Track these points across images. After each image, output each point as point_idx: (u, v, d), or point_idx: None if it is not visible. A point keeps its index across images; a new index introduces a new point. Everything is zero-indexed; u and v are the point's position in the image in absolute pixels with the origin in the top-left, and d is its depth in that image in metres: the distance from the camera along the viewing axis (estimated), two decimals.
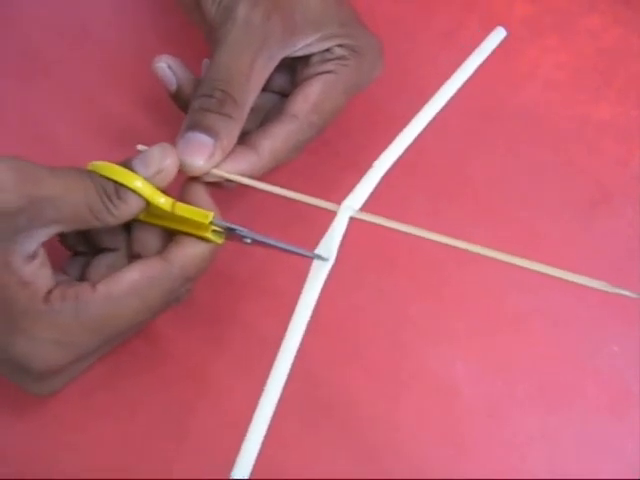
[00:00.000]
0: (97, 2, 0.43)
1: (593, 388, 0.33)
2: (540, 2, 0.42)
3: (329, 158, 0.38)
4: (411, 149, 0.31)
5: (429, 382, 0.34)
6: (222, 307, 0.35)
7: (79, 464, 0.32)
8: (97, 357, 0.31)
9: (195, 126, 0.30)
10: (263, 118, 0.35)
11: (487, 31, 0.40)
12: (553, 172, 0.38)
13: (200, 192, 0.30)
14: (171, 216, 0.29)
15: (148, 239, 0.31)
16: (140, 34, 0.41)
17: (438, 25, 0.41)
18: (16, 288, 0.27)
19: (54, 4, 0.42)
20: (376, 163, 0.30)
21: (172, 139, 0.31)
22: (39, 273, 0.28)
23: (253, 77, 0.31)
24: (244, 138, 0.32)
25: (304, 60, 0.34)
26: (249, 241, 0.30)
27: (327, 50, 0.33)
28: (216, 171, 0.31)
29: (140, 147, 0.31)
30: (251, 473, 0.25)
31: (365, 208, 0.29)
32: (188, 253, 0.29)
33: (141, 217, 0.30)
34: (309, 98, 0.33)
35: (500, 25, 0.34)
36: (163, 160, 0.29)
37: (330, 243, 0.28)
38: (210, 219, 0.29)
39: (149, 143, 0.30)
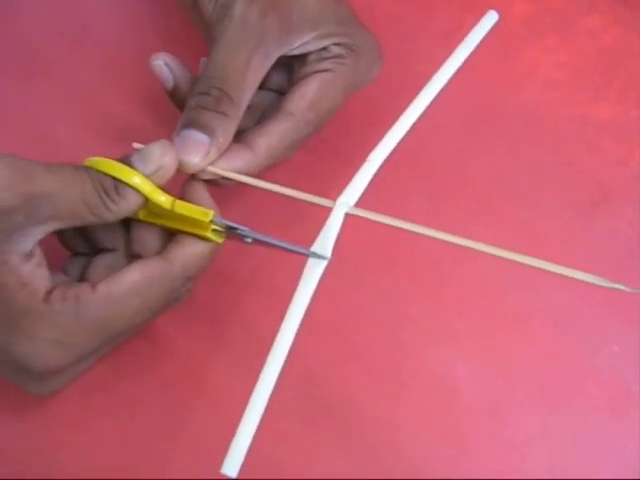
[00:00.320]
0: (97, 2, 0.43)
1: (593, 388, 0.33)
2: (540, 2, 0.42)
3: (328, 157, 0.38)
4: (410, 148, 0.31)
5: (429, 382, 0.34)
6: (221, 306, 0.35)
7: (79, 464, 0.32)
8: (97, 357, 0.31)
9: (191, 124, 0.30)
10: (260, 116, 0.35)
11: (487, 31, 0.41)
12: (553, 172, 0.38)
13: (201, 191, 0.30)
14: (171, 214, 0.29)
15: (148, 239, 0.31)
16: (140, 34, 0.41)
17: (438, 25, 0.41)
18: (15, 288, 0.27)
19: (54, 4, 0.42)
20: (370, 157, 0.30)
21: (172, 138, 0.31)
22: (36, 273, 0.28)
23: (249, 75, 0.31)
24: (241, 136, 0.32)
25: (301, 58, 0.34)
26: (250, 240, 0.30)
27: (324, 49, 0.33)
28: (212, 168, 0.31)
29: (136, 145, 0.31)
30: (241, 470, 0.24)
31: (364, 207, 0.29)
32: (188, 252, 0.29)
33: (141, 216, 0.30)
34: (306, 96, 0.33)
35: (500, 25, 0.34)
36: (162, 157, 0.29)
37: (326, 239, 0.28)
38: (210, 217, 0.29)
39: (149, 142, 0.30)
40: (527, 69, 0.40)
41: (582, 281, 0.25)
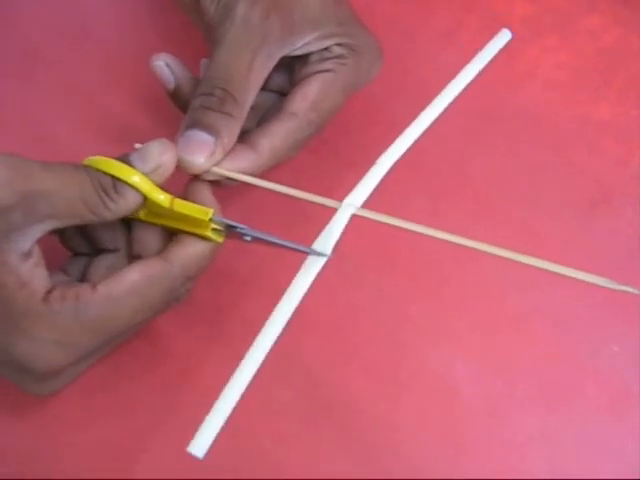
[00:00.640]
0: (97, 2, 0.43)
1: (593, 388, 0.33)
2: (540, 2, 0.42)
3: (329, 157, 0.38)
4: (411, 149, 0.32)
5: (429, 382, 0.34)
6: (222, 306, 0.35)
7: (79, 464, 0.32)
8: (97, 357, 0.31)
9: (196, 124, 0.30)
10: (261, 117, 0.35)
11: (487, 31, 0.41)
12: (553, 172, 0.38)
13: (204, 191, 0.30)
14: (170, 213, 0.29)
15: (148, 239, 0.31)
16: (140, 34, 0.41)
17: (438, 25, 0.41)
18: (14, 288, 0.27)
19: (54, 4, 0.42)
20: (378, 161, 0.31)
21: (172, 138, 0.31)
22: (35, 273, 0.27)
23: (252, 76, 0.31)
24: (243, 137, 0.32)
25: (302, 59, 0.34)
26: (249, 239, 0.30)
27: (326, 49, 0.33)
28: (216, 169, 0.31)
29: (138, 146, 0.31)
30: (209, 451, 0.24)
31: (365, 207, 0.29)
32: (188, 252, 0.29)
33: (141, 216, 0.30)
34: (308, 96, 0.33)
35: (500, 25, 0.34)
36: (161, 155, 0.29)
37: (328, 238, 0.28)
38: (210, 216, 0.29)
39: (147, 138, 0.30)
40: (527, 69, 0.40)
41: (590, 283, 0.25)
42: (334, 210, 0.29)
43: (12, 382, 0.30)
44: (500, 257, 0.26)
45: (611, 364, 0.34)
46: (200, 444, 0.24)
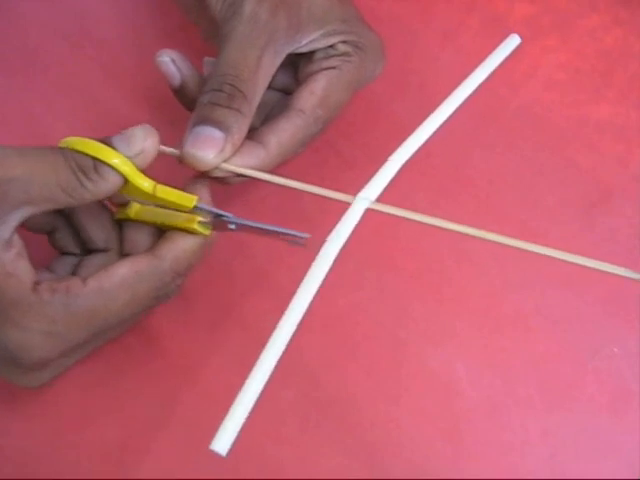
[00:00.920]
0: (97, 2, 0.43)
1: (593, 388, 0.33)
2: (540, 3, 0.42)
3: (330, 157, 0.38)
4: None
5: (429, 381, 0.34)
6: (221, 305, 0.35)
7: (79, 464, 0.32)
8: (87, 352, 0.31)
9: (205, 120, 0.30)
10: (266, 115, 0.35)
11: (488, 31, 0.41)
12: (553, 172, 0.38)
13: (203, 190, 0.30)
14: (154, 200, 0.29)
15: (139, 238, 0.31)
16: (140, 33, 0.41)
17: (439, 25, 0.41)
18: (1, 277, 0.27)
19: (54, 4, 0.42)
20: (391, 157, 0.30)
21: (172, 137, 0.30)
22: (19, 264, 0.27)
23: (261, 72, 0.31)
24: (250, 134, 0.32)
25: (307, 56, 0.34)
26: (234, 227, 0.29)
27: (331, 46, 0.33)
28: (226, 165, 0.30)
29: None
30: (231, 450, 0.24)
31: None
32: (178, 247, 0.29)
33: (131, 216, 0.30)
34: (315, 93, 0.33)
35: (500, 25, 0.34)
36: (145, 140, 0.28)
37: (341, 233, 0.28)
38: (194, 203, 0.29)
39: None
40: (527, 69, 0.40)
41: (609, 273, 0.25)
42: (339, 207, 0.29)
43: (0, 374, 0.30)
44: (508, 257, 0.26)
45: (611, 364, 0.34)
46: (222, 441, 0.24)
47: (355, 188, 0.29)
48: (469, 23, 0.41)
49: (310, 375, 0.33)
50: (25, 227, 0.29)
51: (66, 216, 0.32)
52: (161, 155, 0.30)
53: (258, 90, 0.31)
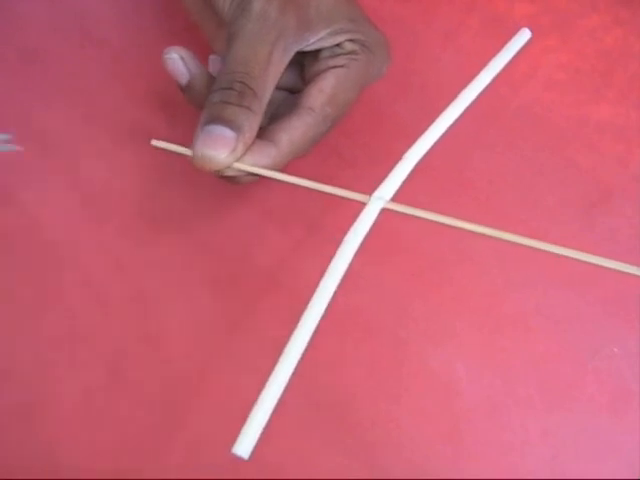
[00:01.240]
0: (98, 1, 0.43)
1: (593, 388, 0.33)
2: (540, 3, 0.42)
3: (331, 157, 0.38)
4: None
5: (429, 381, 0.34)
6: (234, 309, 0.35)
7: (79, 464, 0.32)
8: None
9: (215, 119, 0.30)
10: (272, 114, 0.35)
11: (488, 31, 0.41)
12: (553, 172, 0.38)
13: None
14: None
15: None
16: (143, 34, 0.41)
17: (440, 25, 0.41)
18: None
19: (55, 4, 0.42)
20: (405, 156, 0.30)
21: (175, 137, 0.30)
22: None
23: (271, 69, 0.31)
24: (259, 133, 0.31)
25: (313, 55, 0.34)
26: None
27: (337, 45, 0.33)
28: (238, 165, 0.30)
29: (154, 142, 0.31)
30: (253, 453, 0.24)
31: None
32: None
33: None
34: (324, 91, 0.33)
35: (501, 25, 0.34)
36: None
37: (357, 233, 0.28)
38: None
39: (151, 137, 0.30)
40: (527, 69, 0.40)
41: (619, 271, 0.25)
42: (344, 206, 0.29)
43: None
44: (511, 257, 0.26)
45: (611, 364, 0.34)
46: (244, 445, 0.23)
47: (356, 188, 0.29)
48: (469, 23, 0.41)
49: (309, 375, 0.33)
50: None
51: None
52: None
53: (268, 87, 0.31)
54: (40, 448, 0.32)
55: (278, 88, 0.35)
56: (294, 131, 0.32)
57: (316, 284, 0.26)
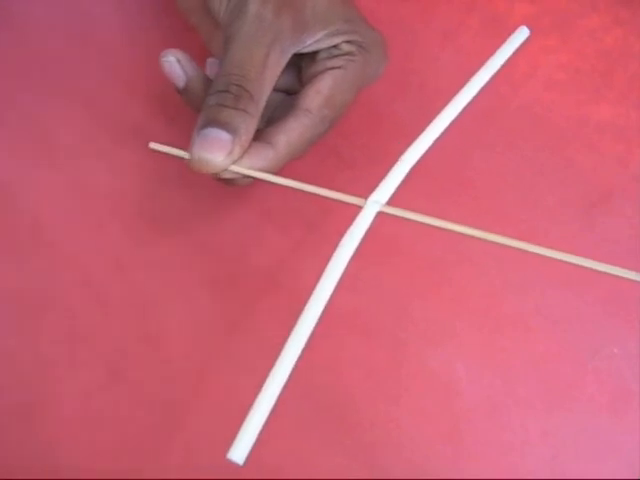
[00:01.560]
0: (99, 3, 0.43)
1: (593, 389, 0.33)
2: (540, 2, 0.42)
3: (329, 157, 0.38)
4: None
5: (429, 382, 0.34)
6: (231, 311, 0.35)
7: (79, 464, 0.32)
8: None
9: (212, 122, 0.30)
10: (269, 116, 0.35)
11: (488, 31, 0.41)
12: (553, 172, 0.38)
13: None
14: None
15: None
16: (143, 35, 0.41)
17: (439, 25, 0.41)
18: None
19: (56, 5, 0.42)
20: (402, 158, 0.30)
21: (175, 136, 0.30)
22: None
23: (267, 72, 0.31)
24: (256, 135, 0.31)
25: (310, 56, 0.34)
26: None
27: (334, 46, 0.33)
28: (235, 167, 0.30)
29: (153, 145, 0.31)
30: (248, 458, 0.24)
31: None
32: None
33: None
34: (321, 93, 0.33)
35: (501, 25, 0.34)
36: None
37: (353, 237, 0.28)
38: None
39: (150, 138, 0.30)
40: (527, 69, 0.40)
41: (620, 277, 0.25)
42: (342, 208, 0.29)
43: None
44: (509, 259, 0.26)
45: (611, 365, 0.34)
46: (239, 450, 0.23)
47: (354, 189, 0.29)
48: (469, 23, 0.41)
49: (309, 376, 0.33)
50: None
51: None
52: None
53: (265, 89, 0.31)
54: (40, 448, 0.32)
55: (276, 90, 0.35)
56: (291, 132, 0.32)
57: (315, 285, 0.27)
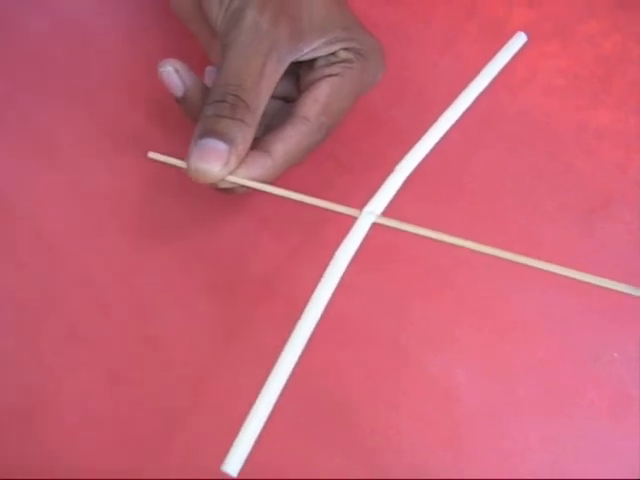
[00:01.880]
0: (100, 8, 0.43)
1: (593, 394, 0.33)
2: (539, 8, 0.42)
3: (328, 164, 0.38)
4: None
5: (429, 387, 0.34)
6: (228, 318, 0.35)
7: (79, 464, 0.32)
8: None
9: (208, 132, 0.30)
10: (267, 124, 0.35)
11: (487, 37, 0.41)
12: (552, 177, 0.38)
13: None
14: None
15: None
16: (144, 41, 0.41)
17: (437, 31, 0.42)
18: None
19: (57, 10, 0.42)
20: (397, 168, 0.30)
21: (174, 142, 0.31)
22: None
23: (264, 81, 0.31)
24: (254, 143, 0.32)
25: (308, 64, 0.34)
26: None
27: (332, 54, 0.33)
28: (232, 177, 0.31)
29: (151, 155, 0.31)
30: (241, 470, 0.24)
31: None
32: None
33: None
34: (319, 100, 0.33)
35: (499, 31, 0.34)
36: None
37: (348, 248, 0.28)
38: None
39: (150, 144, 0.30)
40: (526, 75, 0.40)
41: (611, 290, 0.25)
42: (342, 218, 0.29)
43: None
44: (509, 262, 0.26)
45: (611, 370, 0.34)
46: (233, 462, 0.24)
47: (353, 195, 0.30)
48: (468, 29, 0.42)
49: (309, 381, 0.33)
50: None
51: None
52: None
53: (262, 99, 0.31)
54: (40, 448, 0.32)
55: (274, 97, 0.35)
56: (288, 140, 0.32)
57: (312, 292, 0.27)
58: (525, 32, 0.40)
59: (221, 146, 0.30)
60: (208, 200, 0.36)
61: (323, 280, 0.27)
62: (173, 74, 0.32)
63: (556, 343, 0.34)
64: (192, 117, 0.33)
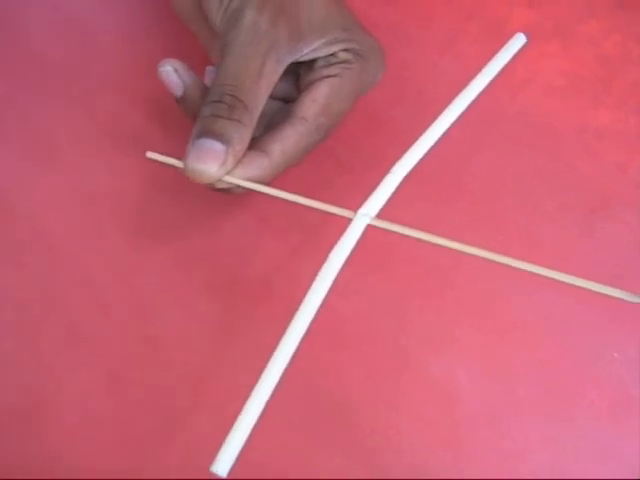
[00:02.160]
0: (101, 8, 0.43)
1: (594, 394, 0.33)
2: (539, 9, 0.42)
3: (328, 163, 0.38)
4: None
5: (430, 389, 0.33)
6: (224, 317, 0.35)
7: (79, 464, 0.32)
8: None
9: (206, 133, 0.30)
10: (267, 124, 0.35)
11: (487, 38, 0.41)
12: (552, 178, 0.38)
13: None
14: None
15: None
16: (144, 40, 0.41)
17: (437, 32, 0.42)
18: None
19: (58, 9, 0.42)
20: (392, 170, 0.30)
21: (173, 141, 0.31)
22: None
23: (262, 81, 0.31)
24: (252, 143, 0.32)
25: (308, 65, 0.34)
26: None
27: (332, 54, 0.33)
28: (229, 178, 0.31)
29: (150, 154, 0.31)
30: (231, 471, 0.24)
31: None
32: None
33: None
34: (317, 101, 0.33)
35: (500, 32, 0.34)
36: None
37: (342, 250, 0.28)
38: None
39: (150, 144, 0.30)
40: (526, 75, 0.40)
41: (605, 295, 0.25)
42: (342, 218, 0.29)
43: None
44: (511, 266, 0.26)
45: (611, 370, 0.34)
46: (223, 463, 0.24)
47: (352, 195, 0.29)
48: (468, 30, 0.42)
49: (309, 381, 0.33)
50: None
51: None
52: None
53: (260, 99, 0.31)
54: (40, 448, 0.32)
55: (273, 97, 0.35)
56: (286, 141, 0.32)
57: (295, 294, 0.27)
58: (525, 32, 0.40)
59: (218, 146, 0.30)
60: (208, 200, 0.36)
61: (316, 282, 0.27)
62: (173, 74, 0.32)
63: (556, 343, 0.34)
64: (192, 117, 0.33)
